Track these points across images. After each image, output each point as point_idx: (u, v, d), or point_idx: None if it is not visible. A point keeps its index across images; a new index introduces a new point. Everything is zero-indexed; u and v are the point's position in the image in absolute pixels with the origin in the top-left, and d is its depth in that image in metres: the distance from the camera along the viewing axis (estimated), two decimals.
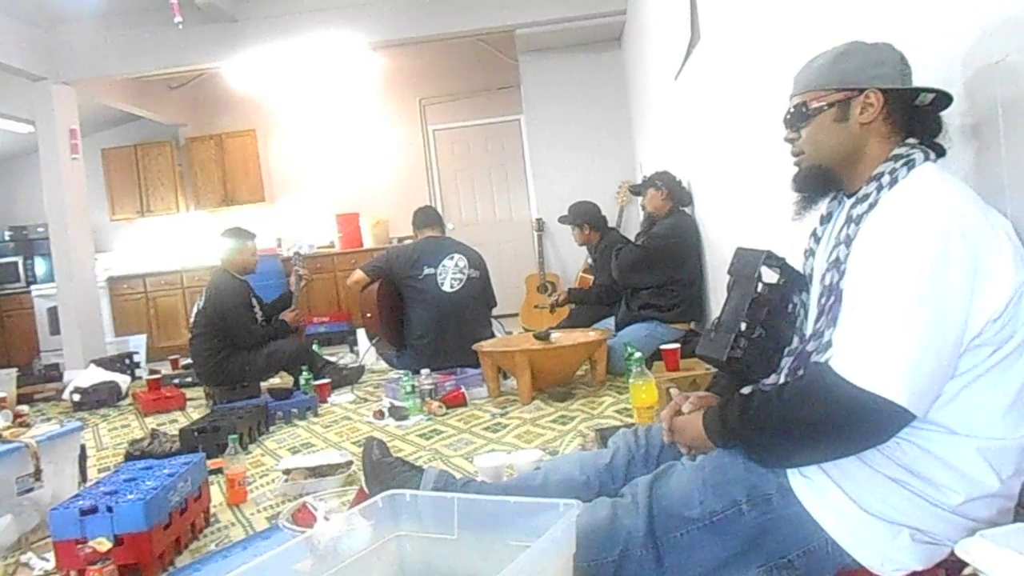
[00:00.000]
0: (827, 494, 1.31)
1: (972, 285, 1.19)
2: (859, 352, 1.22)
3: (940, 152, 1.37)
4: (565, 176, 7.45)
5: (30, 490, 2.48)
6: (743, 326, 1.56)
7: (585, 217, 5.30)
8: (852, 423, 1.23)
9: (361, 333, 5.84)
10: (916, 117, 1.38)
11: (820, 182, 1.46)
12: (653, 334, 4.29)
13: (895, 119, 1.38)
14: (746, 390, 1.53)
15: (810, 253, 1.55)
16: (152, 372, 5.84)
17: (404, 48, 7.74)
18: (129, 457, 3.31)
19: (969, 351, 1.22)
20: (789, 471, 1.35)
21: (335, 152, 8.72)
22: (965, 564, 1.11)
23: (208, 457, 2.82)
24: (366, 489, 2.15)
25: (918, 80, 1.41)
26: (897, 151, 1.36)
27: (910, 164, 1.32)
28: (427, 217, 5.08)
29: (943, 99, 1.38)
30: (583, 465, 1.72)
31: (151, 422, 4.52)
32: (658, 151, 5.77)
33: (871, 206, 1.32)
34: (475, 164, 8.81)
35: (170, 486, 2.22)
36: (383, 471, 2.07)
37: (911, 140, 1.37)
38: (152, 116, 8.22)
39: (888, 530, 1.27)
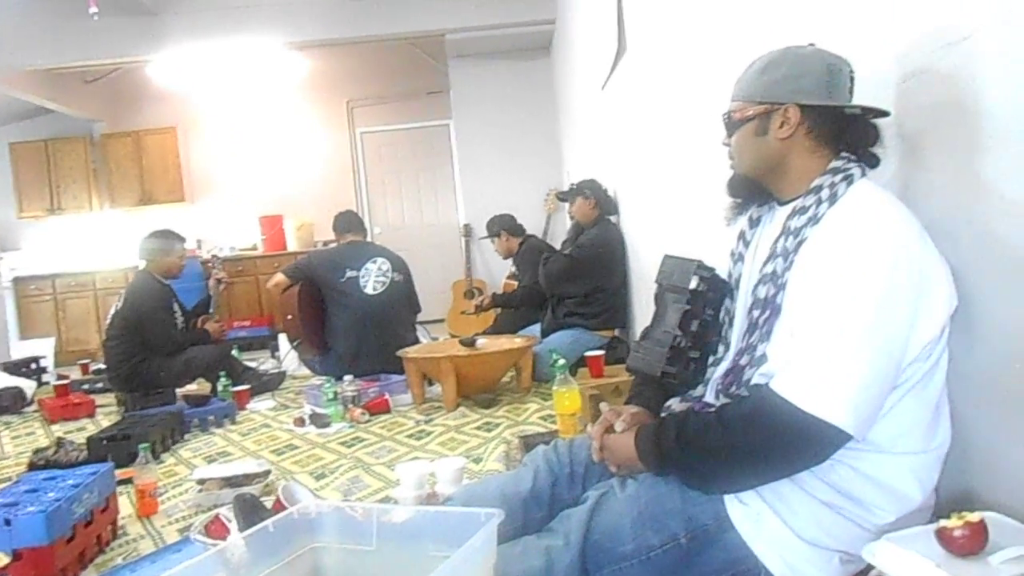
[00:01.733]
0: (762, 520, 1.30)
1: (916, 313, 1.21)
2: (807, 377, 1.22)
3: (875, 163, 1.38)
4: (493, 182, 7.47)
5: None
6: (676, 339, 1.53)
7: (501, 225, 5.51)
8: (796, 447, 1.23)
9: (283, 338, 5.72)
10: (848, 128, 1.37)
11: (747, 190, 1.49)
12: (578, 341, 4.32)
13: (820, 133, 1.37)
14: (676, 406, 1.52)
15: (739, 257, 1.53)
16: (60, 377, 5.57)
17: (332, 49, 7.62)
18: (32, 467, 3.16)
19: (902, 371, 1.25)
20: (726, 498, 1.33)
21: (259, 152, 8.51)
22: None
23: (117, 467, 2.72)
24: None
25: (856, 81, 1.41)
26: (834, 164, 1.36)
27: (848, 179, 1.33)
28: (349, 222, 5.01)
29: (879, 111, 1.38)
30: (504, 493, 1.57)
31: (57, 430, 4.32)
32: (585, 159, 5.83)
33: (811, 220, 1.32)
34: (403, 168, 8.73)
35: (74, 497, 2.12)
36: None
37: (846, 153, 1.37)
38: (65, 110, 7.85)
39: (820, 556, 1.29)
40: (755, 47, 1.54)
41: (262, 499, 2.52)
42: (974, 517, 1.03)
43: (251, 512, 2.10)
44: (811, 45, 1.42)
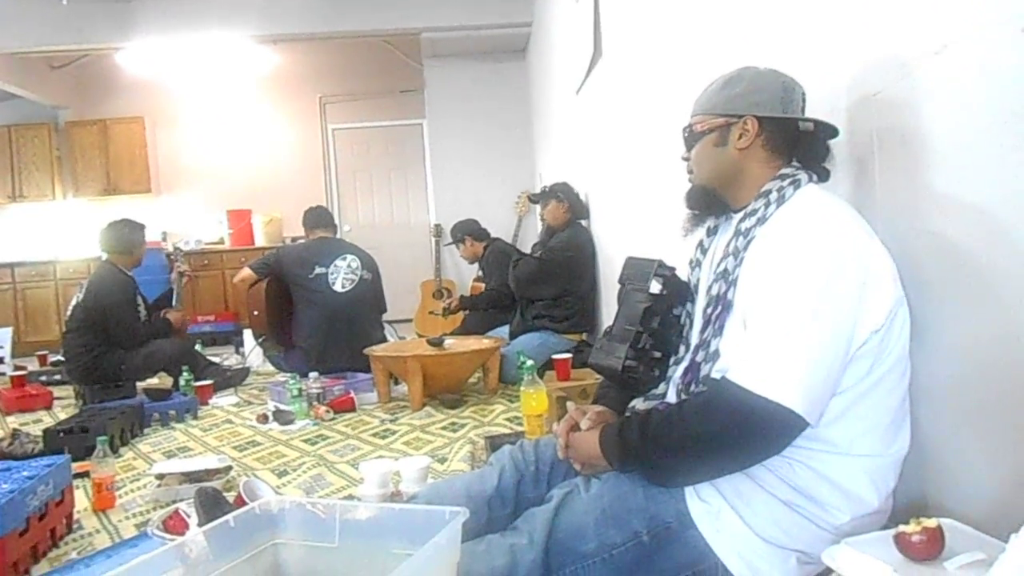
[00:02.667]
0: (722, 518, 1.32)
1: (860, 298, 1.26)
2: (757, 362, 1.26)
3: (824, 176, 1.45)
4: (465, 183, 7.47)
5: None
6: (637, 335, 1.56)
7: (464, 230, 5.57)
8: (752, 431, 1.26)
9: (247, 334, 5.65)
10: (800, 143, 1.45)
11: (705, 201, 1.53)
12: (546, 344, 4.33)
13: (775, 144, 1.44)
14: (640, 405, 1.53)
15: (696, 264, 1.59)
16: (17, 368, 5.46)
17: (306, 44, 7.58)
18: None
19: (852, 362, 1.28)
20: (687, 495, 1.35)
21: (229, 145, 8.42)
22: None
23: (74, 459, 2.66)
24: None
25: (808, 104, 1.49)
26: (784, 171, 1.42)
27: (796, 184, 1.39)
28: (318, 218, 4.97)
29: (829, 128, 1.46)
30: (469, 491, 1.59)
31: (13, 421, 4.23)
32: (558, 163, 5.85)
33: (759, 220, 1.38)
34: (374, 166, 8.69)
35: (28, 489, 2.08)
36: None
37: (795, 164, 1.44)
38: (29, 96, 7.68)
39: (777, 555, 1.31)
40: (720, 62, 1.66)
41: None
42: (931, 523, 1.05)
43: (213, 506, 2.07)
44: (767, 67, 1.50)
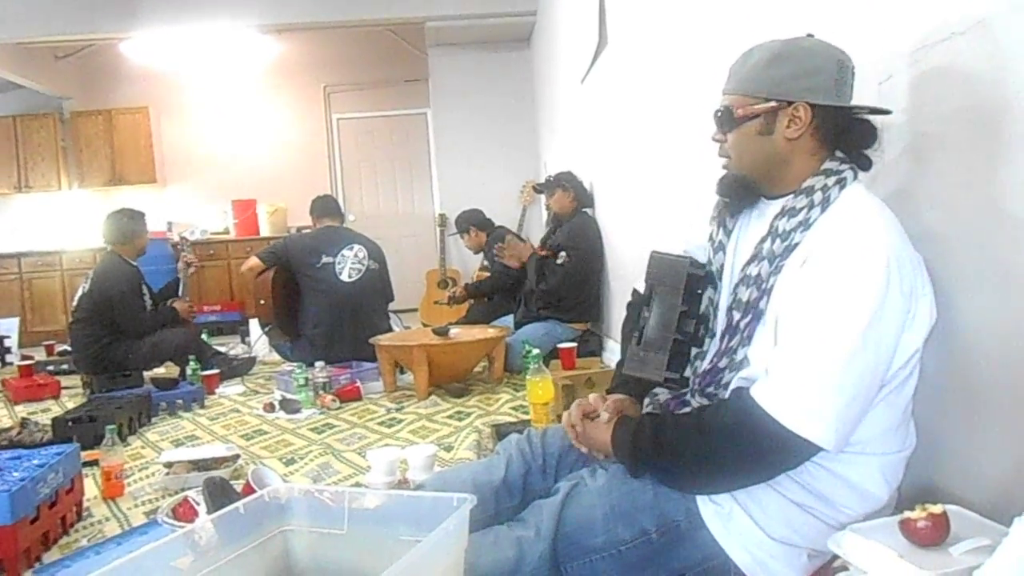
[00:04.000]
0: (733, 519, 1.32)
1: (901, 332, 1.22)
2: (790, 391, 1.20)
3: (868, 165, 1.33)
4: (469, 172, 7.45)
5: None
6: (676, 343, 1.48)
7: (469, 221, 5.61)
8: (774, 459, 1.24)
9: (254, 323, 5.67)
10: (850, 129, 1.32)
11: (743, 191, 1.40)
12: (551, 333, 4.34)
13: (824, 133, 1.32)
14: (662, 395, 1.51)
15: (719, 246, 1.48)
16: (25, 358, 5.50)
17: (311, 33, 7.56)
18: None
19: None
20: (698, 496, 1.35)
21: (234, 135, 8.42)
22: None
23: (83, 448, 2.69)
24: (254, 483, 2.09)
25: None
26: (827, 166, 1.31)
27: (841, 183, 1.29)
28: (326, 206, 4.97)
29: (883, 110, 1.35)
30: (476, 481, 1.56)
31: (21, 410, 4.25)
32: (563, 152, 5.84)
33: (802, 225, 1.28)
34: (379, 156, 8.68)
35: (39, 477, 2.09)
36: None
37: (840, 154, 1.33)
38: (35, 86, 7.69)
39: (789, 553, 1.31)
40: (728, 48, 1.51)
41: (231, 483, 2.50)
42: (937, 509, 1.06)
43: (221, 495, 2.08)
44: (810, 36, 1.35)
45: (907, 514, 1.07)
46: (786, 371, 1.21)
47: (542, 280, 4.49)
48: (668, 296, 1.49)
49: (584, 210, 4.68)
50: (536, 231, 6.58)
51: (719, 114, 1.37)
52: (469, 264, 7.19)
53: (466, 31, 6.94)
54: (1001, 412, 1.23)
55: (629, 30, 3.53)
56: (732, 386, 1.35)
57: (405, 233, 8.43)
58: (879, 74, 1.47)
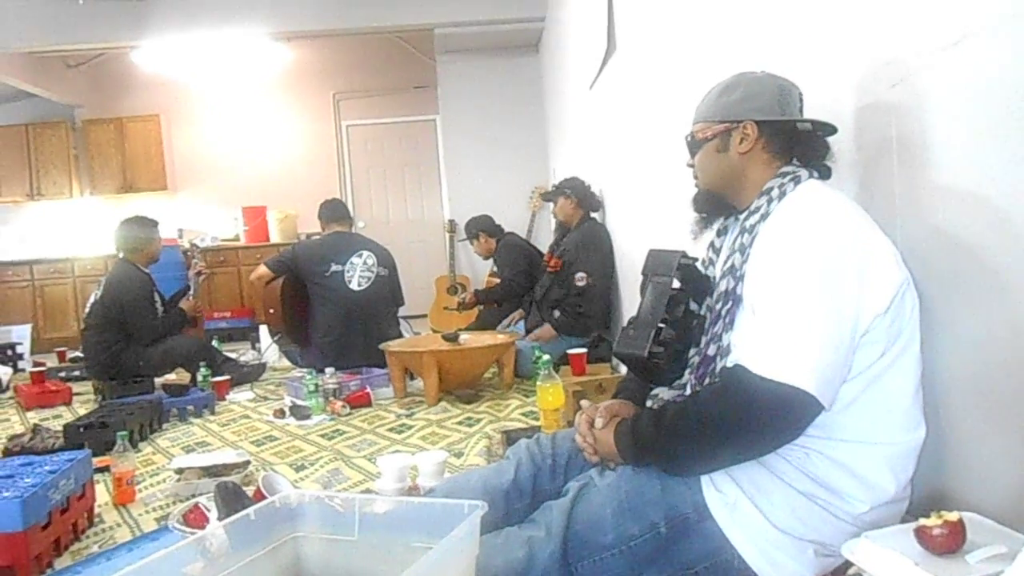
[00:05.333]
0: (739, 509, 1.33)
1: (861, 280, 1.28)
2: (767, 349, 1.28)
3: (825, 173, 1.48)
4: (479, 178, 7.46)
5: None
6: (662, 321, 1.57)
7: (478, 227, 5.59)
8: (767, 415, 1.27)
9: (264, 329, 5.69)
10: (799, 142, 1.49)
11: (711, 205, 1.59)
12: (561, 339, 4.33)
13: (774, 146, 1.49)
14: (664, 394, 1.54)
15: (709, 263, 1.62)
16: (36, 364, 5.52)
17: (320, 41, 7.59)
18: (7, 453, 3.13)
19: (861, 348, 1.29)
20: (704, 486, 1.36)
21: (244, 142, 8.45)
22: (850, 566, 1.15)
23: (95, 455, 2.69)
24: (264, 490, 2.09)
25: (811, 104, 1.55)
26: (784, 169, 1.47)
27: (796, 180, 1.43)
28: (334, 211, 4.98)
29: (828, 126, 1.50)
30: (486, 484, 1.60)
31: (33, 417, 4.27)
32: (572, 158, 5.84)
33: (763, 217, 1.42)
34: (388, 162, 8.70)
35: (51, 484, 2.10)
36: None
37: (795, 162, 1.48)
38: (46, 94, 7.75)
39: (795, 546, 1.31)
40: (734, 55, 1.69)
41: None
42: (952, 516, 1.05)
43: (233, 500, 2.09)
44: (763, 71, 1.55)
45: (922, 521, 1.06)
46: (760, 333, 1.31)
47: (560, 301, 4.45)
48: (660, 282, 1.61)
49: (592, 216, 4.67)
50: (545, 236, 6.57)
51: (688, 140, 1.59)
52: (479, 270, 7.20)
53: (475, 37, 6.96)
54: (1018, 416, 1.22)
55: (637, 35, 3.53)
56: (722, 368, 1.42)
57: (414, 239, 8.44)
58: (891, 78, 1.47)
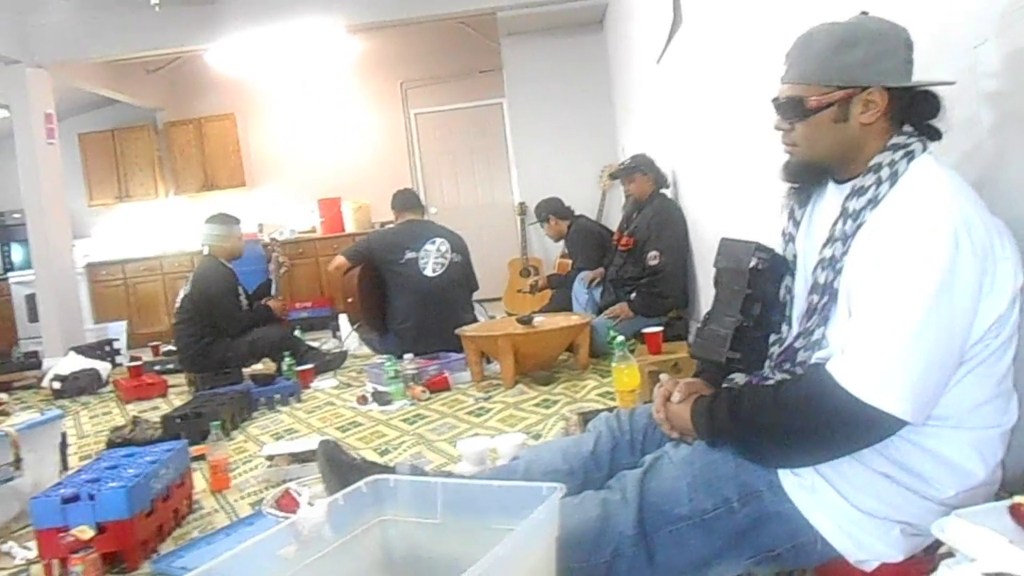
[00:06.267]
0: (818, 492, 1.30)
1: (978, 296, 1.18)
2: (863, 365, 1.19)
3: (936, 136, 1.33)
4: (547, 160, 7.45)
5: (10, 479, 2.47)
6: (739, 324, 1.51)
7: (548, 209, 5.60)
8: (852, 433, 1.23)
9: (343, 318, 5.84)
10: (917, 103, 1.31)
11: (814, 176, 1.42)
12: (638, 318, 4.32)
13: (896, 112, 1.31)
14: (739, 379, 1.51)
15: (789, 238, 1.51)
16: (133, 359, 5.80)
17: (385, 31, 7.67)
18: (111, 445, 3.29)
19: (967, 351, 1.22)
20: (779, 469, 1.34)
21: (316, 136, 8.65)
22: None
23: (191, 444, 2.82)
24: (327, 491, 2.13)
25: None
26: (895, 140, 1.30)
27: (909, 156, 1.28)
28: (407, 200, 5.06)
29: (944, 82, 1.33)
30: (566, 454, 1.63)
31: (132, 409, 4.49)
32: (641, 135, 5.78)
33: (871, 203, 1.28)
34: (457, 148, 8.77)
35: (152, 473, 2.22)
36: (348, 471, 1.98)
37: (907, 128, 1.32)
38: (129, 100, 8.11)
39: (880, 527, 1.28)
40: (815, 15, 1.47)
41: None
42: None
43: (336, 454, 2.13)
44: (879, 18, 1.32)
45: (1017, 499, 1.03)
46: (858, 344, 1.21)
47: (635, 280, 4.44)
48: (733, 280, 1.53)
49: (662, 192, 4.62)
50: (615, 216, 6.53)
51: (785, 103, 1.36)
52: (551, 251, 7.21)
53: (538, 18, 6.92)
54: None
55: (704, 6, 3.46)
56: (810, 364, 1.35)
57: (486, 223, 8.49)
58: (975, 37, 1.40)
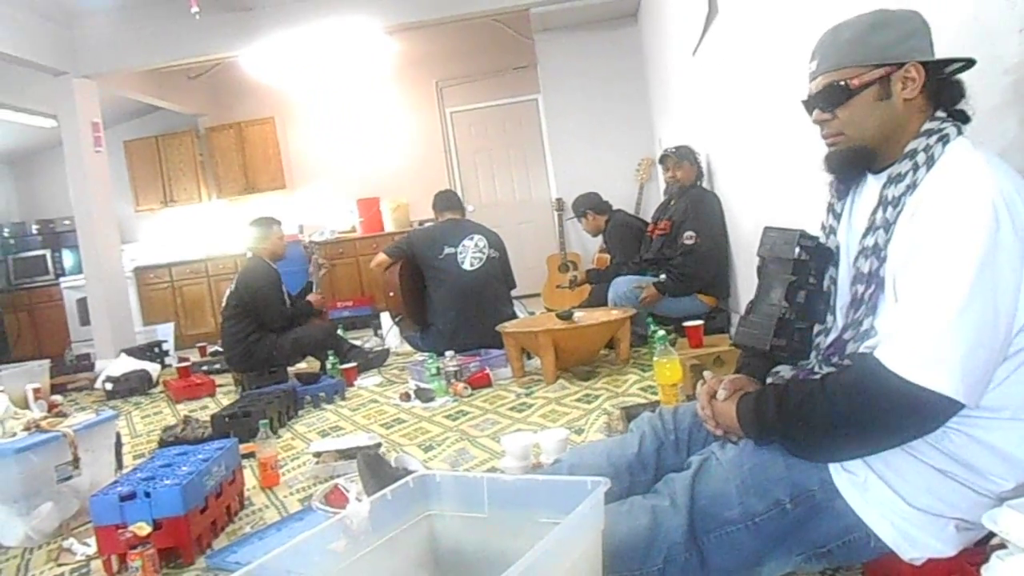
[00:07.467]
0: (870, 489, 1.29)
1: (1022, 272, 1.17)
2: (910, 346, 1.19)
3: (966, 119, 1.33)
4: (584, 155, 7.43)
5: (69, 478, 2.55)
6: (783, 312, 1.49)
7: (586, 205, 5.60)
8: (904, 418, 1.21)
9: (385, 317, 5.92)
10: (946, 85, 1.33)
11: (862, 163, 1.39)
12: (680, 301, 4.33)
13: (930, 92, 1.32)
14: (787, 372, 1.50)
15: (830, 231, 1.50)
16: (181, 360, 5.92)
17: (420, 31, 7.70)
18: (163, 444, 3.38)
19: (1017, 334, 1.20)
20: (831, 466, 1.32)
21: (354, 137, 8.74)
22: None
23: (240, 442, 2.87)
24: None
25: (938, 45, 1.37)
26: (928, 125, 1.31)
27: (944, 139, 1.28)
28: (447, 200, 5.14)
29: (968, 62, 1.34)
30: (610, 456, 1.60)
31: (182, 409, 4.60)
32: (677, 127, 5.74)
33: (908, 188, 1.28)
34: (493, 145, 8.79)
35: (205, 471, 2.27)
36: (389, 481, 2.03)
37: (940, 113, 1.32)
38: (172, 107, 8.28)
39: (934, 523, 1.27)
40: (847, 12, 1.48)
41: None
42: None
43: (377, 466, 2.18)
44: (900, 8, 1.36)
45: None
46: (904, 326, 1.21)
47: (667, 261, 4.46)
48: (778, 269, 1.51)
49: (698, 182, 4.64)
50: (653, 210, 6.50)
51: (823, 92, 1.37)
52: (589, 247, 7.20)
53: (571, 13, 6.91)
54: None
55: None
56: (858, 353, 1.34)
57: (523, 220, 8.51)
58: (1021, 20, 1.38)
